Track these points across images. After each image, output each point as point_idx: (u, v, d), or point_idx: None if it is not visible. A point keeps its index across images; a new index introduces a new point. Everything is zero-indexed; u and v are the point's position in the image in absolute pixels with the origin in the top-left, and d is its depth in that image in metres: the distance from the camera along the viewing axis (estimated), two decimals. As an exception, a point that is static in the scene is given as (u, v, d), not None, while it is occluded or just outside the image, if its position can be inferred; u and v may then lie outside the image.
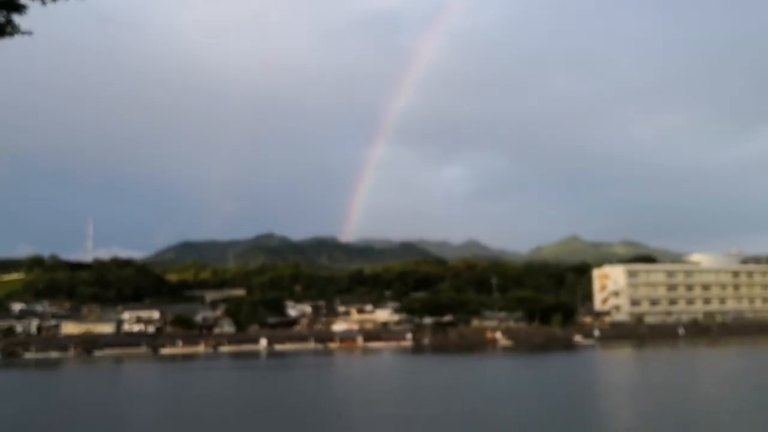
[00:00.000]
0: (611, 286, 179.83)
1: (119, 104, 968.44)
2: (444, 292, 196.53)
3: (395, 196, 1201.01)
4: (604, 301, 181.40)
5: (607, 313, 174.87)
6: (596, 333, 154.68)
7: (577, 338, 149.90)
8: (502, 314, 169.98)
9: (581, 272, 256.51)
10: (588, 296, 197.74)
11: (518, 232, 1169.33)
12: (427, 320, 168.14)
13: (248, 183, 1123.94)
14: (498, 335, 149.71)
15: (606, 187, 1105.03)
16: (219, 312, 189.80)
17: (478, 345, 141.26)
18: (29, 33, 9.53)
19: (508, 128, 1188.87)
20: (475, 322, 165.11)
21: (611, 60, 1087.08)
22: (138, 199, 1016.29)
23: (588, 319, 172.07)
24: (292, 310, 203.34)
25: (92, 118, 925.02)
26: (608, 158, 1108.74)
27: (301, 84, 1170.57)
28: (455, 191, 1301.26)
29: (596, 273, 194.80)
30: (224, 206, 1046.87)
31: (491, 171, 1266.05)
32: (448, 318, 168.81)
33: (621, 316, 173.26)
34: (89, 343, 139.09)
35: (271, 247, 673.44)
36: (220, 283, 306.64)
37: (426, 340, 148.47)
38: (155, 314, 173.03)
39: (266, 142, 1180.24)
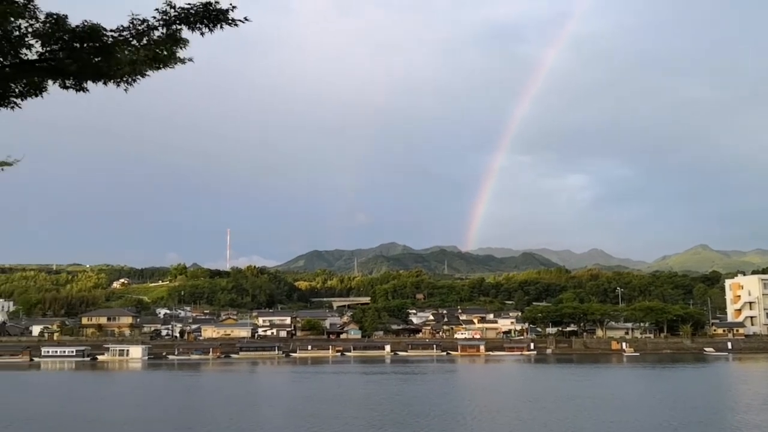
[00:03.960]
0: (745, 297, 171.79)
1: (256, 121, 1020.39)
2: (567, 301, 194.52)
3: (517, 205, 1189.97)
4: (738, 312, 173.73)
5: (741, 324, 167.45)
6: (729, 345, 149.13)
7: (708, 350, 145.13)
8: (628, 324, 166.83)
9: (711, 282, 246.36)
10: (719, 307, 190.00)
11: (644, 240, 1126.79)
12: (550, 330, 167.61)
13: (373, 195, 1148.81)
14: (624, 345, 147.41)
15: (736, 194, 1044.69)
16: (345, 318, 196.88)
17: (603, 355, 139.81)
18: (190, 60, 9.92)
19: (631, 135, 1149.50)
20: (600, 332, 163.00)
21: (738, 63, 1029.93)
22: (275, 211, 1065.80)
23: (720, 331, 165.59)
24: (415, 318, 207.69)
25: (233, 136, 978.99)
26: (737, 164, 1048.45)
27: (423, 97, 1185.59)
28: (578, 199, 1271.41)
29: (728, 283, 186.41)
30: (350, 217, 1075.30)
31: (615, 178, 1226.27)
32: (571, 328, 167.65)
33: (756, 328, 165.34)
34: (227, 347, 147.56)
35: (393, 256, 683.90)
36: (346, 291, 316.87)
37: (549, 350, 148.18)
38: (287, 320, 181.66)
39: (390, 154, 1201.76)
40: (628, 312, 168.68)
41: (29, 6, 9.12)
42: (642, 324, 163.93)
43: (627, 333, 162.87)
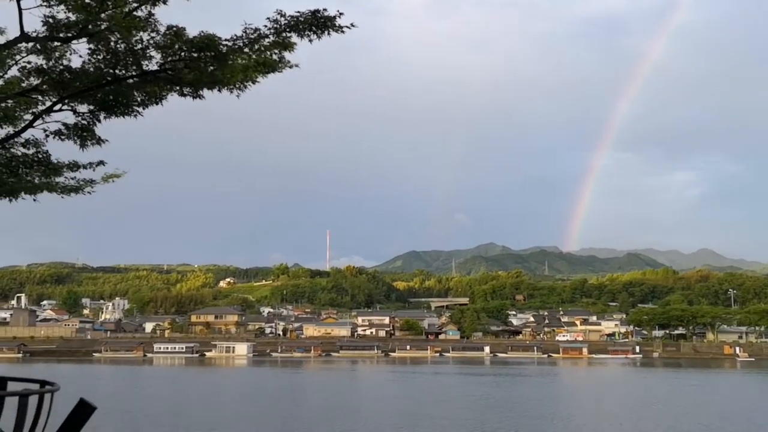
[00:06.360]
0: None
1: (354, 120, 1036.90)
2: (675, 303, 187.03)
3: (620, 204, 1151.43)
4: None
5: None
6: None
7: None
8: (742, 328, 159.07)
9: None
10: None
11: (758, 240, 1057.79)
12: (657, 333, 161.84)
13: (470, 194, 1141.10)
14: (737, 350, 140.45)
15: None
16: (443, 319, 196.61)
17: (714, 360, 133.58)
18: (296, 65, 10.31)
19: (743, 129, 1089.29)
20: (710, 336, 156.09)
21: None
22: (373, 212, 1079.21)
23: None
24: (515, 319, 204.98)
25: (332, 135, 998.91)
26: None
27: (522, 94, 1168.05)
28: (685, 197, 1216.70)
29: None
30: (448, 217, 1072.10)
31: (725, 175, 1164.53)
32: (679, 331, 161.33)
33: None
34: (328, 345, 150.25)
35: (492, 256, 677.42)
36: (444, 291, 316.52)
37: (656, 354, 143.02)
38: (385, 319, 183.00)
39: (487, 153, 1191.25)
40: (742, 315, 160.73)
41: (150, 20, 9.67)
42: (757, 328, 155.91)
43: (740, 337, 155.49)
